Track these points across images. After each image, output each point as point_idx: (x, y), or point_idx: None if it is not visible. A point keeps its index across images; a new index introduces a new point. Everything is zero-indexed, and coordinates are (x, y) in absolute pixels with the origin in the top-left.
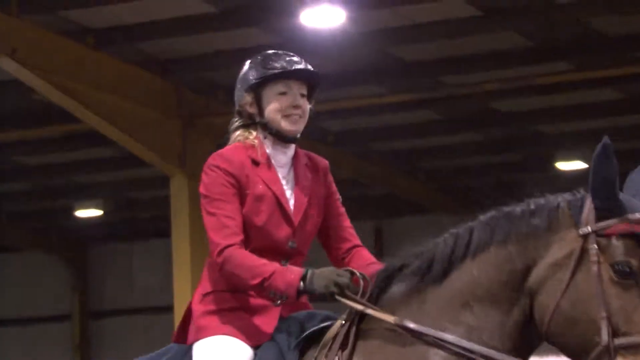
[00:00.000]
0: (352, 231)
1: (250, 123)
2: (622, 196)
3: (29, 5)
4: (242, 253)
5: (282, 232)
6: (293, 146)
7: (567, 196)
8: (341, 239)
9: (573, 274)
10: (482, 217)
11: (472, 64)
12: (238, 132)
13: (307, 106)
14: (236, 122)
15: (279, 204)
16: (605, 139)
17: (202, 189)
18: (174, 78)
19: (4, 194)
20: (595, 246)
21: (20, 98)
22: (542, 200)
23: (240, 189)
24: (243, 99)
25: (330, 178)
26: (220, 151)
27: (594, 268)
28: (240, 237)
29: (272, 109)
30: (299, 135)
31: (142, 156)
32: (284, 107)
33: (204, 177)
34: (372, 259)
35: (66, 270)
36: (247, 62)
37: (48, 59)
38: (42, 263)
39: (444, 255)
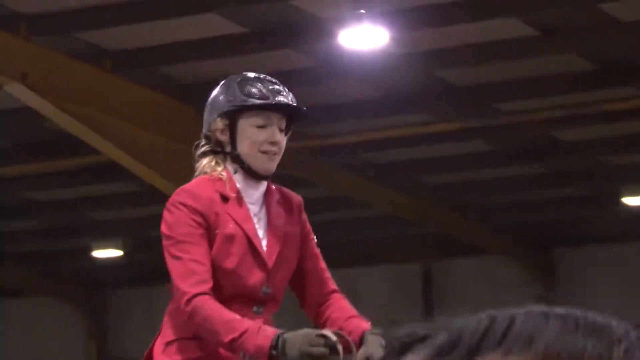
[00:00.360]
0: (328, 274)
1: (219, 151)
2: None
3: (40, 26)
4: (212, 305)
5: (255, 276)
6: (265, 181)
7: (633, 333)
8: (317, 283)
9: None
10: (530, 309)
11: (529, 88)
12: (205, 161)
13: (284, 142)
14: (203, 146)
15: (251, 244)
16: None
17: (164, 229)
18: (199, 105)
19: (12, 233)
20: None
21: (31, 127)
22: (605, 322)
23: (209, 229)
24: (214, 123)
25: (305, 216)
26: (185, 186)
27: None
28: (209, 285)
29: (247, 142)
30: (271, 173)
31: (165, 190)
32: (261, 142)
33: (166, 215)
34: (352, 310)
35: (82, 317)
36: (223, 82)
37: (61, 84)
38: (54, 309)
39: (474, 337)
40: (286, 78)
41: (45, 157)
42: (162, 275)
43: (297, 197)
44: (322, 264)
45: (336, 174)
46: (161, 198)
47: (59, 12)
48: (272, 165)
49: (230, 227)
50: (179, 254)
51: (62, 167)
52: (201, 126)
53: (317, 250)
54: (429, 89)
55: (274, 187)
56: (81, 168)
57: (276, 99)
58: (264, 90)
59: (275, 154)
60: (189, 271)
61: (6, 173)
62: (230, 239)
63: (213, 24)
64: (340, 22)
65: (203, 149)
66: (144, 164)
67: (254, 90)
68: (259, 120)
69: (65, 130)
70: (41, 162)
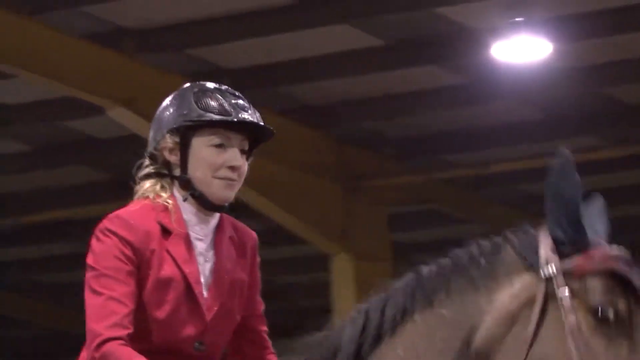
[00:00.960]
0: (267, 336)
1: (165, 174)
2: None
3: (147, 42)
4: (126, 353)
5: (189, 329)
6: (218, 213)
7: (510, 234)
8: (255, 344)
9: (538, 326)
10: (400, 281)
11: None
12: (148, 184)
13: (246, 167)
14: (147, 167)
15: (189, 291)
16: (563, 150)
17: (89, 259)
18: (332, 130)
19: None
20: (567, 290)
21: (139, 157)
22: (477, 246)
23: (140, 268)
24: (162, 140)
25: (258, 260)
26: (120, 212)
27: (571, 317)
28: (127, 331)
29: (201, 165)
30: (227, 204)
31: (295, 231)
32: (218, 166)
33: (94, 243)
34: None
35: None
36: (176, 92)
37: None
38: None
39: (352, 340)
40: (430, 98)
41: None
42: (294, 328)
43: (252, 235)
44: (264, 325)
45: (490, 208)
46: (291, 239)
47: (169, 26)
48: (230, 195)
49: (167, 269)
50: (100, 290)
51: None
52: (336, 155)
53: (262, 307)
54: (598, 108)
55: (227, 220)
56: None
57: (239, 115)
58: (225, 105)
59: (234, 180)
60: (107, 310)
61: (108, 211)
62: (165, 283)
63: (346, 37)
64: (494, 32)
65: (146, 171)
66: (269, 199)
67: (213, 103)
68: (216, 140)
69: None
70: None
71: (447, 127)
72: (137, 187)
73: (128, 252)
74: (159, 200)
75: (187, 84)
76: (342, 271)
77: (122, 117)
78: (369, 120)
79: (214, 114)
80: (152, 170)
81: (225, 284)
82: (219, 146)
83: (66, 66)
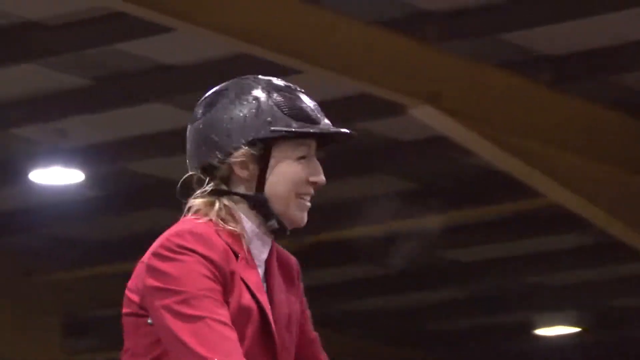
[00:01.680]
0: None
1: (226, 191)
2: None
3: (453, 29)
4: None
5: None
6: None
7: None
8: None
9: None
10: None
11: None
12: (203, 201)
13: None
14: (204, 184)
15: (266, 326)
16: None
17: (160, 282)
18: None
19: (428, 307)
20: None
21: (448, 163)
22: None
23: (224, 291)
24: (237, 151)
25: (302, 286)
26: (189, 228)
27: None
28: None
29: (284, 181)
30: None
31: (630, 243)
32: (302, 182)
33: (162, 265)
34: None
35: None
36: (233, 90)
37: (487, 106)
38: None
39: None
40: None
41: (469, 203)
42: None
43: (293, 259)
44: (322, 353)
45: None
46: (628, 256)
47: (478, 8)
48: (305, 216)
49: (246, 297)
50: (195, 313)
51: (489, 216)
52: None
53: (315, 334)
54: None
55: (274, 244)
56: (515, 216)
57: (325, 121)
58: (308, 110)
59: (311, 198)
60: (217, 335)
61: (418, 226)
62: (245, 313)
63: None
64: None
65: (204, 188)
66: (602, 208)
67: (301, 106)
68: (302, 151)
69: (493, 166)
70: (462, 209)
71: None
72: (191, 204)
73: (215, 270)
74: (228, 225)
75: (240, 79)
76: None
77: (426, 116)
78: None
79: (305, 121)
80: (211, 187)
81: (283, 317)
82: (302, 158)
83: (357, 58)
